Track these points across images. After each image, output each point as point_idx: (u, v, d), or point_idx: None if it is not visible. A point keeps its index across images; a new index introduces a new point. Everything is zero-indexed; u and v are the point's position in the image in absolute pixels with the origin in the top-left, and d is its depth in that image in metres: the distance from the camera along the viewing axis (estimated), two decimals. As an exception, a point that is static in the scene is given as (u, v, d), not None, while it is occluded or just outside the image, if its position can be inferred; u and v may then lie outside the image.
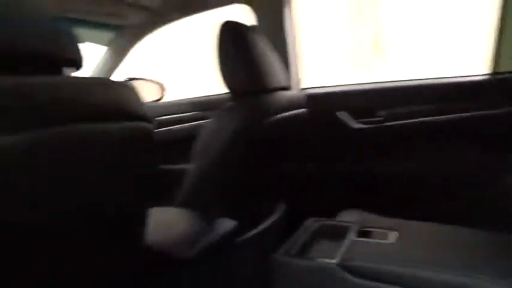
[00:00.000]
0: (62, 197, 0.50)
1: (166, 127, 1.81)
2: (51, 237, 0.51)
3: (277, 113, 1.17)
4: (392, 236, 0.79)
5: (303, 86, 1.63)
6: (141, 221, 0.68)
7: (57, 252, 0.53)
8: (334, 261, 0.73)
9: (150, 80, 2.20)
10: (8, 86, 0.42)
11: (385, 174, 1.48)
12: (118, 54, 1.79)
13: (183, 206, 1.10)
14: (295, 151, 1.47)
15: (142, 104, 0.65)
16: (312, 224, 0.94)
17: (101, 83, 0.58)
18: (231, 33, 1.14)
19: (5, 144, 0.40)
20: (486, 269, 0.67)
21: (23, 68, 0.49)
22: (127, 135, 0.58)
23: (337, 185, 1.54)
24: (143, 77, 2.20)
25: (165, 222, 0.95)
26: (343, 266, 0.71)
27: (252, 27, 1.24)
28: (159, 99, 2.15)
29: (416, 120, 1.41)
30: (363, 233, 0.83)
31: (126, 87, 0.63)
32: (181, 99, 2.01)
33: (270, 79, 1.18)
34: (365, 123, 1.51)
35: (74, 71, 0.60)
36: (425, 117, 1.40)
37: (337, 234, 0.85)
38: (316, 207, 1.27)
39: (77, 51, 0.57)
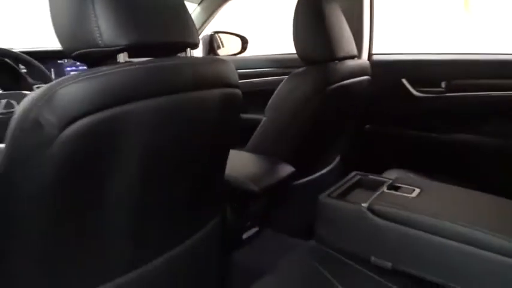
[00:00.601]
0: (186, 140, 0.76)
1: (244, 79, 2.04)
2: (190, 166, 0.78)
3: (343, 80, 1.33)
4: (415, 192, 0.97)
5: (372, 53, 1.75)
6: (225, 159, 0.94)
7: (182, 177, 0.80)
8: (364, 205, 0.93)
9: (234, 34, 2.41)
10: (152, 66, 0.67)
11: (438, 140, 1.60)
12: (208, 12, 2.02)
13: (253, 150, 1.35)
14: (357, 113, 1.64)
15: (236, 75, 0.87)
16: (354, 176, 1.14)
17: (209, 61, 0.80)
18: (306, 7, 1.30)
19: (157, 104, 0.65)
20: (494, 227, 0.82)
21: (164, 51, 0.74)
22: (225, 98, 0.81)
23: (391, 146, 1.70)
24: (227, 31, 2.42)
25: (238, 163, 1.21)
26: (371, 209, 0.91)
27: None
28: (240, 52, 2.38)
29: (475, 94, 1.50)
30: (393, 187, 1.02)
31: (226, 62, 0.85)
32: (261, 55, 2.21)
33: (339, 49, 1.33)
34: (426, 92, 1.62)
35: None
36: (484, 91, 1.48)
37: (372, 186, 1.05)
38: (369, 164, 1.46)
39: (196, 36, 0.80)
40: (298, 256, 0.97)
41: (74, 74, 0.60)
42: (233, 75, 0.85)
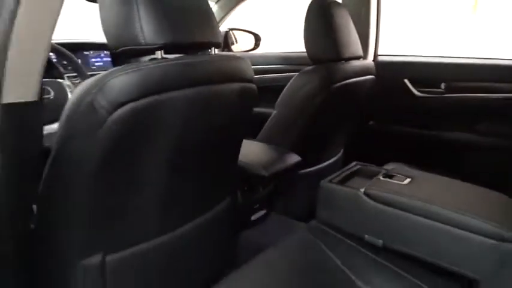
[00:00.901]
0: (209, 126, 0.88)
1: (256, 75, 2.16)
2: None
3: (347, 79, 1.45)
4: (407, 180, 1.09)
5: (378, 54, 1.87)
6: (239, 146, 1.07)
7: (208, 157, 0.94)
8: (361, 190, 1.05)
9: (248, 31, 2.53)
10: (184, 62, 0.79)
11: (435, 137, 1.72)
12: (224, 10, 2.14)
13: (264, 141, 1.48)
14: (361, 110, 1.75)
15: (252, 71, 0.99)
16: (354, 165, 1.26)
17: (229, 58, 0.92)
18: (316, 10, 1.42)
19: (187, 94, 0.78)
20: (473, 211, 0.94)
21: (193, 49, 0.86)
22: (243, 91, 0.92)
23: (392, 142, 1.82)
24: (242, 28, 2.54)
25: (251, 151, 1.34)
26: (366, 193, 1.03)
27: (338, 4, 1.49)
28: (254, 49, 2.50)
29: (472, 95, 1.61)
30: (388, 176, 1.14)
31: (243, 59, 0.96)
32: (272, 53, 2.32)
33: (345, 50, 1.45)
34: (427, 92, 1.73)
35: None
36: (480, 93, 1.59)
37: (369, 174, 1.16)
38: (370, 157, 1.57)
39: (219, 36, 0.92)
40: (301, 233, 1.09)
41: (122, 67, 0.72)
42: (249, 71, 0.97)
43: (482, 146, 1.64)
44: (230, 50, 2.50)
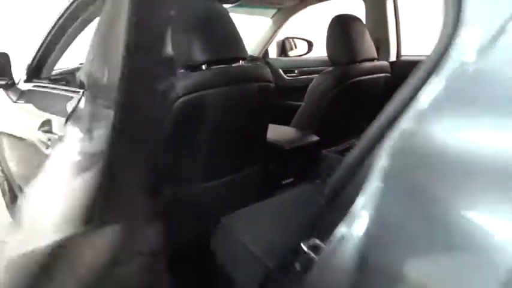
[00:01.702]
0: (239, 111, 1.35)
1: (302, 76, 2.61)
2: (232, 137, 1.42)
3: (358, 76, 1.83)
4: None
5: (401, 55, 2.20)
6: (265, 125, 1.54)
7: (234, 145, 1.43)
8: (347, 156, 1.46)
9: (302, 38, 2.98)
10: (218, 71, 1.29)
11: None
12: (278, 23, 2.62)
13: (294, 126, 1.94)
14: (377, 103, 2.09)
15: (270, 73, 1.45)
16: (353, 141, 1.65)
17: (253, 66, 1.39)
18: (336, 24, 1.83)
19: (221, 91, 1.29)
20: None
21: (228, 61, 1.34)
22: (263, 88, 1.36)
23: None
24: (296, 36, 2.99)
25: (280, 133, 1.81)
26: None
27: (355, 18, 1.88)
28: (307, 53, 2.94)
29: None
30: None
31: (264, 66, 1.41)
32: (315, 56, 2.75)
33: (359, 54, 1.83)
34: None
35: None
36: None
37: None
38: None
39: (245, 51, 1.37)
40: (305, 187, 1.51)
41: (183, 76, 1.25)
42: (268, 74, 1.43)
43: None
44: (287, 55, 2.97)
